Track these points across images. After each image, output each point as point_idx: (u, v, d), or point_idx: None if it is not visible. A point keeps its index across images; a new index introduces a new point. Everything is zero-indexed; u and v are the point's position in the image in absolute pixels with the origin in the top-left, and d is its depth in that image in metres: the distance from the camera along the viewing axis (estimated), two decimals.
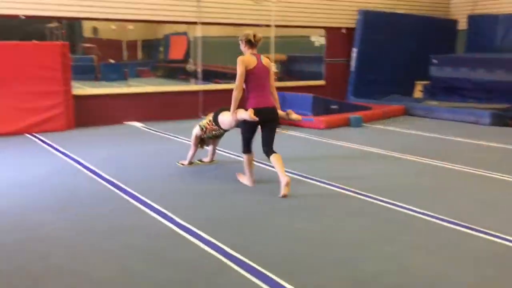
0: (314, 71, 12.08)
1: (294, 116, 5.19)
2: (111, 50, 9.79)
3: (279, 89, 9.54)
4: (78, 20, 8.99)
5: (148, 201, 4.46)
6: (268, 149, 4.81)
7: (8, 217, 4.07)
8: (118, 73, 9.98)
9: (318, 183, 5.13)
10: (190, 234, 3.68)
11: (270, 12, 10.11)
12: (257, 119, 4.64)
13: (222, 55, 10.60)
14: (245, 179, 5.07)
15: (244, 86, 4.76)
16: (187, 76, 10.56)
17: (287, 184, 4.59)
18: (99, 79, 9.70)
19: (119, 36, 9.68)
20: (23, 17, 8.31)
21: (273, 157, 4.75)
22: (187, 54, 10.48)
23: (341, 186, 4.98)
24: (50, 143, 7.19)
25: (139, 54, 10.41)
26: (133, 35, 9.78)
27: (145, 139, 7.65)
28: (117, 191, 4.81)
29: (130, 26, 9.59)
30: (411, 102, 11.03)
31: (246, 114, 4.67)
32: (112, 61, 9.94)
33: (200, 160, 6.00)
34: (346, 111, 9.32)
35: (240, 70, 4.68)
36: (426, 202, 4.45)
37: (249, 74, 4.71)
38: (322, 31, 11.70)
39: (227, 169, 5.72)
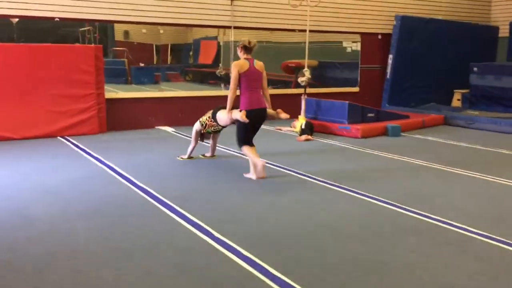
0: (345, 78, 11.79)
1: (283, 115, 5.69)
2: (142, 54, 9.72)
3: (311, 95, 9.46)
4: (112, 23, 8.92)
5: (187, 214, 4.25)
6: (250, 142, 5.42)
7: (38, 226, 3.92)
8: (149, 77, 9.93)
9: (378, 202, 4.74)
10: (230, 251, 3.45)
11: (305, 17, 9.86)
12: (247, 121, 5.18)
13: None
14: (249, 175, 5.45)
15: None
16: (217, 81, 10.41)
17: (263, 167, 5.29)
18: (130, 83, 9.64)
19: (149, 40, 9.60)
20: (58, 20, 8.27)
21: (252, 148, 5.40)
22: (216, 59, 10.34)
23: (411, 209, 4.45)
24: (83, 147, 7.09)
25: (169, 58, 10.31)
26: (163, 39, 9.68)
27: (177, 144, 7.47)
28: (152, 200, 4.62)
29: (161, 30, 9.50)
30: (450, 111, 10.61)
31: (239, 115, 5.23)
32: (142, 64, 9.87)
33: (203, 155, 6.49)
34: (383, 119, 8.98)
35: (233, 74, 5.23)
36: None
37: (242, 77, 5.23)
38: (356, 37, 11.38)
39: (273, 182, 5.47)
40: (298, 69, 11.30)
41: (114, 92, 8.88)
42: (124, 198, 4.70)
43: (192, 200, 4.67)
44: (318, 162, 6.46)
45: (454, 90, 11.99)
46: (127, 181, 5.30)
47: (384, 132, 8.56)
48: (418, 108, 11.29)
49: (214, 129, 6.13)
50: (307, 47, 9.21)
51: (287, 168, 5.96)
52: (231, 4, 9.62)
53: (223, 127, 6.08)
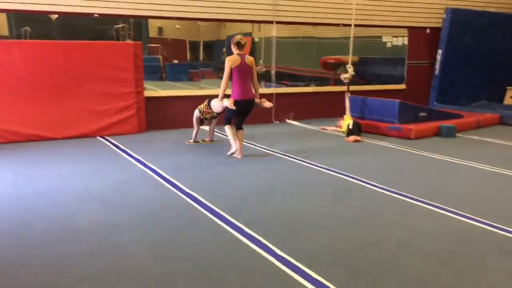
0: (387, 74, 11.20)
1: (266, 103, 6.48)
2: (175, 50, 9.42)
3: (354, 93, 8.97)
4: (152, 18, 8.62)
5: (245, 228, 3.89)
6: (238, 127, 6.23)
7: (85, 239, 3.61)
8: (183, 74, 9.63)
9: (451, 215, 4.27)
10: (288, 267, 3.07)
11: (349, 10, 9.38)
12: (234, 107, 6.02)
13: (291, 56, 9.96)
14: (232, 149, 6.25)
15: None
16: None
17: (240, 150, 6.19)
18: (164, 79, 9.34)
19: (183, 36, 9.28)
20: (97, 16, 8.03)
21: (240, 131, 6.25)
22: (251, 55, 9.93)
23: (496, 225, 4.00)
24: (123, 148, 6.82)
25: (202, 55, 9.97)
26: (196, 36, 9.34)
27: (219, 146, 7.13)
28: (202, 209, 4.27)
29: (198, 24, 9.17)
30: (504, 110, 9.94)
31: (228, 103, 6.09)
32: (175, 61, 9.57)
33: (203, 140, 7.29)
34: (435, 119, 8.43)
35: (226, 68, 6.00)
36: None
37: (234, 70, 5.99)
38: (399, 31, 10.78)
39: (335, 185, 5.07)
40: (338, 66, 10.82)
41: (153, 90, 8.60)
42: (171, 206, 4.36)
43: (244, 209, 4.30)
44: (383, 167, 6.01)
45: (507, 87, 11.30)
46: (173, 186, 4.97)
47: (438, 133, 8.02)
48: (469, 106, 10.66)
49: (210, 116, 6.95)
50: (351, 42, 8.75)
51: (342, 172, 5.54)
52: None
53: (218, 114, 6.85)
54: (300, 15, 9.51)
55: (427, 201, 4.49)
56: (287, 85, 9.91)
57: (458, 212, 4.21)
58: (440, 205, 4.38)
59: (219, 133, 7.68)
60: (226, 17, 9.04)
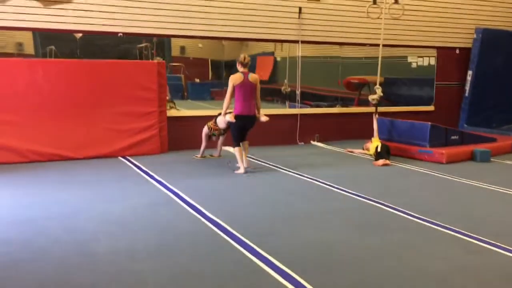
0: (414, 95, 10.88)
1: (263, 118, 6.61)
2: (197, 69, 9.32)
3: (381, 114, 8.69)
4: (178, 37, 8.54)
5: (266, 255, 3.65)
6: (242, 139, 6.54)
7: (103, 267, 3.41)
8: (205, 93, 9.51)
9: (496, 249, 3.87)
10: None
11: (376, 30, 9.19)
12: (234, 120, 6.35)
13: (313, 76, 9.73)
14: (239, 170, 6.47)
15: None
16: (273, 97, 9.85)
17: (246, 159, 6.55)
18: (186, 98, 9.22)
19: (205, 55, 9.18)
20: (121, 35, 7.98)
21: (244, 143, 6.57)
22: (273, 75, 9.80)
23: None
24: (145, 169, 6.67)
25: (224, 74, 9.83)
26: (219, 55, 9.23)
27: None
28: (226, 236, 4.04)
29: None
30: None
31: (229, 117, 6.42)
32: (197, 80, 9.46)
33: (211, 155, 7.58)
34: (467, 142, 8.09)
35: (229, 86, 6.36)
36: None
37: (237, 88, 6.32)
38: (425, 51, 10.50)
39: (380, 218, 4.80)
40: (362, 86, 10.58)
41: (176, 110, 8.48)
42: (194, 232, 4.15)
43: (270, 236, 4.06)
44: (416, 194, 5.71)
45: None
46: (195, 210, 4.76)
47: (471, 157, 7.68)
48: (500, 129, 10.28)
49: (218, 132, 7.32)
50: (379, 62, 8.52)
51: (372, 199, 5.26)
52: (298, 18, 9.06)
53: (224, 131, 7.19)
54: (325, 35, 9.34)
55: (467, 233, 4.18)
56: (310, 105, 9.70)
57: (503, 246, 3.89)
58: (481, 238, 4.07)
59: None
60: (251, 37, 8.93)
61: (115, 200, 5.12)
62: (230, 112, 6.53)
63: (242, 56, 6.41)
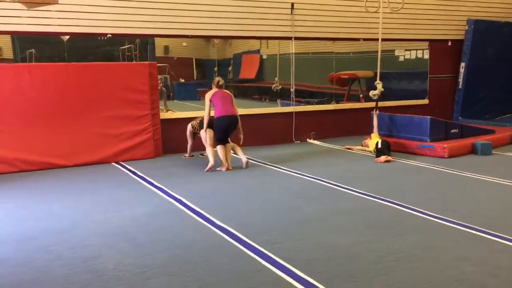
0: (404, 89, 10.74)
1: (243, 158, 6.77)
2: (182, 69, 9.07)
3: (379, 109, 8.52)
4: (167, 37, 8.27)
5: (282, 262, 3.43)
6: (223, 141, 6.69)
7: (114, 285, 3.16)
8: (191, 93, 9.26)
9: None
10: None
11: (369, 24, 9.06)
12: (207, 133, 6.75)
13: (302, 73, 9.53)
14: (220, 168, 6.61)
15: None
16: (261, 96, 9.66)
17: (212, 166, 6.58)
18: (172, 99, 8.95)
19: (190, 54, 8.93)
20: (110, 36, 7.68)
21: (227, 145, 6.73)
22: (259, 73, 9.60)
23: None
24: (142, 174, 6.40)
25: (208, 73, 9.59)
26: (204, 54, 8.98)
27: (242, 170, 6.70)
28: (238, 244, 3.81)
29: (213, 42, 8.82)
30: None
31: (204, 133, 6.81)
32: (182, 80, 9.21)
33: (201, 154, 7.52)
34: (467, 135, 7.98)
35: (206, 100, 6.69)
36: None
37: (213, 98, 6.68)
38: (415, 45, 10.38)
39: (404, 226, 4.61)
40: (352, 81, 10.42)
41: (169, 112, 8.21)
42: (205, 243, 3.90)
43: (284, 243, 3.84)
44: (426, 191, 5.55)
45: None
46: (201, 217, 4.53)
47: (472, 150, 7.57)
48: (494, 120, 10.24)
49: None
50: (379, 56, 8.35)
51: (383, 198, 5.08)
52: (291, 14, 8.86)
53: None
54: (318, 31, 9.16)
55: (488, 231, 4.03)
56: (301, 102, 9.50)
57: None
58: (504, 235, 3.91)
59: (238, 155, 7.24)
60: (242, 34, 8.70)
61: (114, 210, 4.85)
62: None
63: (216, 79, 6.89)
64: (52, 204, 5.10)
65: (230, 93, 6.86)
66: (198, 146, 7.76)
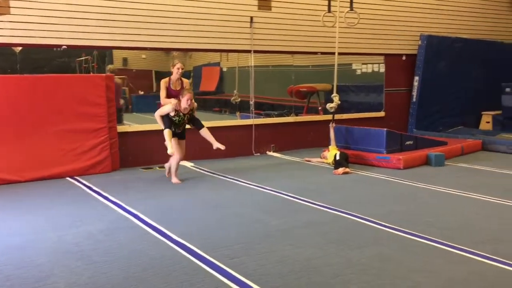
0: (362, 102, 10.98)
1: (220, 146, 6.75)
2: (141, 82, 8.96)
3: (336, 122, 8.67)
4: (127, 49, 8.14)
5: (244, 279, 3.40)
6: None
7: None
8: (150, 105, 9.14)
9: (481, 259, 3.89)
10: None
11: (326, 38, 9.25)
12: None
13: (261, 85, 9.59)
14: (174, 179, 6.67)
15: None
16: (221, 108, 9.66)
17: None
18: (130, 111, 8.81)
19: (149, 66, 8.85)
20: (65, 47, 7.49)
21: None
22: (219, 86, 9.61)
23: None
24: (97, 189, 6.24)
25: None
26: (163, 66, 8.91)
27: (201, 183, 6.64)
28: (199, 262, 3.75)
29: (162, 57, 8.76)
30: (486, 136, 9.85)
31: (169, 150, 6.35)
32: (141, 92, 9.10)
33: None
34: (421, 147, 8.21)
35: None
36: None
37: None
38: (372, 59, 10.66)
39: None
40: (311, 94, 10.57)
41: (126, 125, 8.06)
42: (162, 260, 3.81)
43: (246, 257, 3.81)
44: (385, 203, 5.64)
45: (482, 112, 11.33)
46: (160, 233, 4.44)
47: (426, 161, 7.78)
48: (447, 132, 10.59)
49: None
50: (335, 70, 8.48)
51: (341, 210, 5.14)
52: (250, 27, 8.91)
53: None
54: (277, 44, 9.25)
55: (443, 241, 4.13)
56: (260, 115, 9.55)
57: (482, 253, 3.85)
58: (459, 246, 4.02)
59: (198, 168, 7.20)
60: (201, 47, 8.68)
61: (68, 227, 4.69)
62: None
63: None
64: (2, 222, 4.89)
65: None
66: (158, 159, 7.68)
